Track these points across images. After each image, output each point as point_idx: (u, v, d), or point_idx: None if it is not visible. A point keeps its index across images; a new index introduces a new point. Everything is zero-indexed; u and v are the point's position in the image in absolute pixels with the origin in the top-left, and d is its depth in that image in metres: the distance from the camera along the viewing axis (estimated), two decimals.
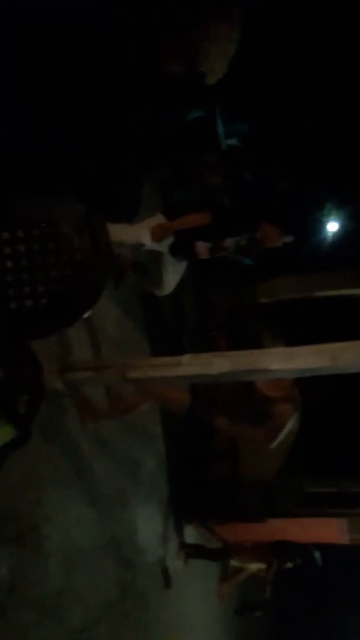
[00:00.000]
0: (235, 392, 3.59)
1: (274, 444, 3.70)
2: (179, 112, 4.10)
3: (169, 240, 3.59)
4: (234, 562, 5.41)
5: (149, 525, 4.10)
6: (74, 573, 2.84)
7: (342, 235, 5.97)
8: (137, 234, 3.38)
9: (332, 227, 5.98)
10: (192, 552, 4.97)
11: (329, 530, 5.27)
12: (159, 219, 3.51)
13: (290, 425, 3.64)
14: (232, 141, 4.79)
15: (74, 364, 2.67)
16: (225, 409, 3.63)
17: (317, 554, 5.18)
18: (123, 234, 3.32)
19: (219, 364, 2.56)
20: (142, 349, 4.34)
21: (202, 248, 3.66)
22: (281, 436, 3.68)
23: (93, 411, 3.09)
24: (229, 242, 3.72)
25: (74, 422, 3.03)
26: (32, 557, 2.51)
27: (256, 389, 3.55)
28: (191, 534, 5.08)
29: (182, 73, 1.46)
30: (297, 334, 4.54)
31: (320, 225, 5.90)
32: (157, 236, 3.45)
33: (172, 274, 3.72)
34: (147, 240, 3.43)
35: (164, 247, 3.57)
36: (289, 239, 3.75)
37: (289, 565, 5.15)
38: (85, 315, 1.34)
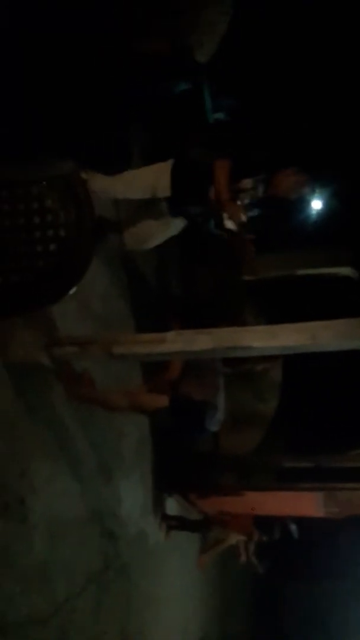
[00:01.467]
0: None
1: None
2: (164, 84, 4.03)
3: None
4: (214, 534, 5.53)
5: (131, 497, 4.17)
6: (58, 544, 2.89)
7: (325, 213, 5.99)
8: (136, 183, 3.25)
9: (316, 205, 6.00)
10: (173, 524, 5.07)
11: (306, 504, 5.40)
12: (161, 167, 3.32)
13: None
14: (219, 115, 4.76)
15: (59, 339, 2.68)
16: None
17: (293, 527, 5.33)
18: (119, 184, 3.23)
19: (202, 341, 2.59)
20: (128, 324, 4.36)
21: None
22: None
23: (77, 391, 3.15)
24: (247, 183, 3.38)
25: (59, 396, 3.05)
26: (16, 528, 2.55)
27: None
28: (173, 506, 5.18)
29: (168, 49, 1.43)
30: (279, 312, 4.60)
31: (304, 203, 5.91)
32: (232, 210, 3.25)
33: (161, 228, 3.54)
34: (144, 190, 3.30)
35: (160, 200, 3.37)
36: (308, 191, 3.53)
37: (268, 538, 5.28)
38: (71, 291, 1.34)
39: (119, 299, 4.24)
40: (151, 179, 3.27)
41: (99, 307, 3.73)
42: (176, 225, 3.49)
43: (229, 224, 3.35)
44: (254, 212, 3.41)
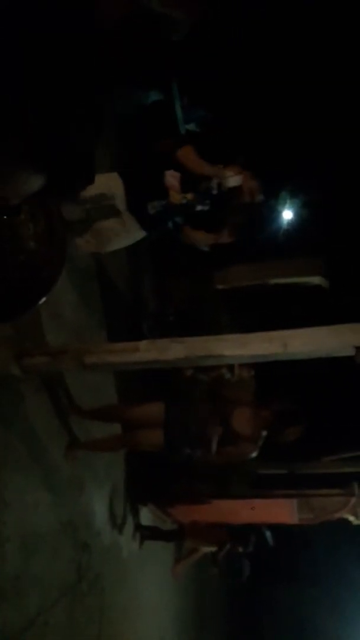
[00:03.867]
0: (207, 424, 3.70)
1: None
2: (135, 94, 4.02)
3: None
4: (188, 543, 5.52)
5: (104, 508, 4.14)
6: (31, 557, 2.86)
7: (295, 223, 6.09)
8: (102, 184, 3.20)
9: (287, 215, 6.09)
10: (147, 534, 5.04)
11: (280, 511, 5.44)
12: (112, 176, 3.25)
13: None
14: (191, 126, 4.79)
15: (30, 350, 2.66)
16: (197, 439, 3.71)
17: (268, 534, 5.35)
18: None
19: (175, 349, 2.60)
20: (100, 334, 4.35)
21: (173, 179, 3.25)
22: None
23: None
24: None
25: (31, 407, 3.02)
26: None
27: (230, 424, 3.68)
28: (146, 516, 5.15)
29: (128, 16, 1.24)
30: (252, 321, 4.65)
31: (275, 213, 5.99)
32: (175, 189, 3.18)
33: (125, 234, 3.38)
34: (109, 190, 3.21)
35: (122, 203, 3.27)
36: (260, 198, 3.46)
37: (241, 549, 5.28)
38: (41, 302, 1.34)
39: (92, 308, 4.23)
40: (104, 179, 3.23)
41: (70, 317, 3.72)
42: (136, 229, 3.37)
43: (232, 182, 3.29)
44: (204, 205, 3.36)
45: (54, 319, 3.40)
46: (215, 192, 3.31)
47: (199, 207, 3.35)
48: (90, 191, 3.06)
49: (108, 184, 3.19)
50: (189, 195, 3.28)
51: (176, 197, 3.26)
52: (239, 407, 3.74)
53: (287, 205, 6.01)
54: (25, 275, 1.25)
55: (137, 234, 3.41)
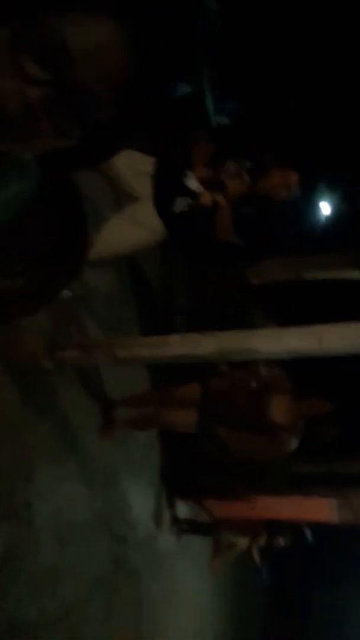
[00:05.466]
0: (244, 411, 3.56)
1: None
2: (166, 87, 3.96)
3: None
4: (225, 538, 5.50)
5: (140, 500, 4.17)
6: (66, 548, 2.90)
7: (334, 216, 5.98)
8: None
9: (324, 208, 5.99)
10: (184, 527, 5.06)
11: (319, 510, 5.37)
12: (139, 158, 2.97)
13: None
14: (222, 119, 4.74)
15: (63, 343, 2.71)
16: (232, 424, 3.60)
17: (307, 532, 5.29)
18: None
19: (206, 344, 2.60)
20: (132, 328, 4.37)
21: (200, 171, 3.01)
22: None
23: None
24: (231, 166, 3.08)
25: (65, 399, 3.07)
26: (24, 532, 2.57)
27: (267, 412, 3.49)
28: (183, 510, 5.16)
29: None
30: (288, 316, 4.59)
31: (312, 206, 5.90)
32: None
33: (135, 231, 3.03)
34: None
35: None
36: (297, 192, 3.15)
37: (280, 542, 5.24)
38: (64, 295, 1.34)
39: (124, 302, 4.26)
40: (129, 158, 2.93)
41: (103, 311, 3.76)
42: (155, 229, 3.05)
43: (193, 184, 3.00)
44: (245, 210, 3.07)
45: (86, 313, 3.44)
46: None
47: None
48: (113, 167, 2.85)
49: (133, 165, 2.94)
50: (220, 197, 3.00)
51: (207, 198, 3.00)
52: (276, 395, 3.56)
53: (325, 198, 5.91)
54: (46, 267, 1.25)
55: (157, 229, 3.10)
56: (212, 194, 2.99)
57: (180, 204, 3.00)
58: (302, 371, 4.06)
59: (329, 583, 9.29)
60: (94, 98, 0.83)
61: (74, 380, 3.25)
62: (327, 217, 6.07)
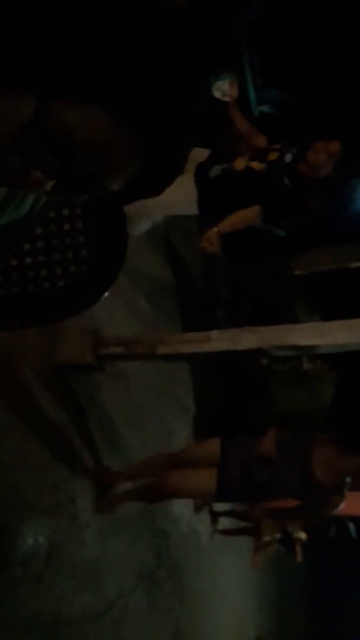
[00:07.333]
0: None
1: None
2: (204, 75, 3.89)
3: None
4: (266, 531, 5.45)
5: None
6: (109, 542, 2.92)
7: None
8: None
9: None
10: (223, 520, 5.02)
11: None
12: None
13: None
14: (265, 108, 4.62)
15: (106, 340, 2.71)
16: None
17: (351, 526, 5.19)
18: None
19: (247, 339, 2.55)
20: (173, 324, 4.35)
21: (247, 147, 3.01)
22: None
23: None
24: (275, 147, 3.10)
25: (108, 395, 3.08)
26: (68, 527, 2.60)
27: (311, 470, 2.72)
28: (224, 504, 5.13)
29: None
30: (333, 308, 4.46)
31: (357, 194, 5.72)
32: None
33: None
34: None
35: None
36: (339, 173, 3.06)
37: (323, 535, 5.16)
38: (104, 295, 1.32)
39: (166, 298, 4.24)
40: None
41: (145, 307, 3.75)
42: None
43: (218, 94, 3.09)
44: (276, 177, 3.02)
45: (129, 309, 3.44)
46: (288, 161, 3.00)
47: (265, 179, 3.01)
48: None
49: None
50: (255, 164, 2.98)
51: (240, 164, 2.99)
52: (319, 447, 2.76)
53: None
54: (87, 270, 1.24)
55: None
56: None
57: (215, 170, 3.02)
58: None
59: None
60: (95, 189, 0.88)
61: (118, 376, 3.25)
62: None
